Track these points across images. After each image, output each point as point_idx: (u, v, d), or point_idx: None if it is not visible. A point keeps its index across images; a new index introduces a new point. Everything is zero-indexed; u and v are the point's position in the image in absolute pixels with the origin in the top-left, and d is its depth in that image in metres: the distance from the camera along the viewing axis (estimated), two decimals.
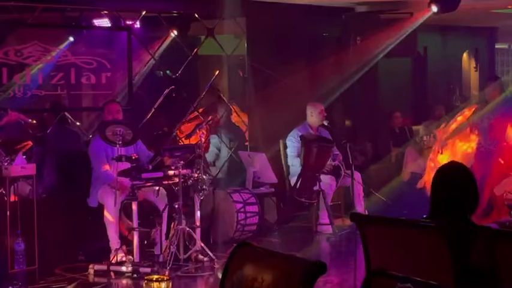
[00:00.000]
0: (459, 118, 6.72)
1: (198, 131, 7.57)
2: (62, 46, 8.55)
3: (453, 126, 6.82)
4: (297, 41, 9.75)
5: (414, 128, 10.76)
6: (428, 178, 6.36)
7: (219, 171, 9.57)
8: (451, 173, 3.59)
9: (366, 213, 8.25)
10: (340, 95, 9.97)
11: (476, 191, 3.54)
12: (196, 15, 9.43)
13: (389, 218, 4.25)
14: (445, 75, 12.56)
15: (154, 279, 2.73)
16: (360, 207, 8.57)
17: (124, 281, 6.71)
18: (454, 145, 7.17)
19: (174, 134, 9.40)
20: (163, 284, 2.72)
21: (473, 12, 10.72)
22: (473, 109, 7.54)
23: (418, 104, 12.08)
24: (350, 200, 8.65)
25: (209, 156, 9.69)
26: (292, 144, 8.74)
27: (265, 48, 9.55)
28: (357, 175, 8.62)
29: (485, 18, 11.77)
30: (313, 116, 8.78)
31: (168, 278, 2.79)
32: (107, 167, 7.19)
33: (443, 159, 6.94)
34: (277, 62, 9.46)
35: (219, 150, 9.83)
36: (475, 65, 13.45)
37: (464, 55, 13.40)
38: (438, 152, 6.60)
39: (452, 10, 9.44)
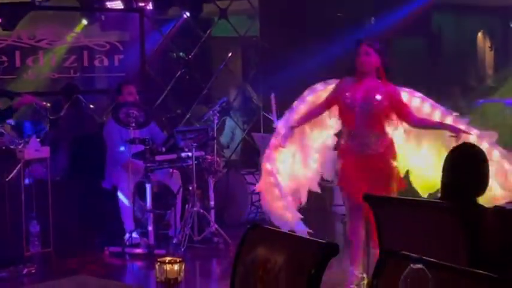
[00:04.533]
0: None
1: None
2: (76, 29, 8.56)
3: None
4: (310, 22, 9.69)
5: None
6: None
7: (233, 153, 9.56)
8: (463, 154, 3.56)
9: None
10: (354, 76, 9.90)
11: (487, 172, 3.52)
12: None
13: (402, 199, 4.24)
14: (459, 55, 12.45)
15: (167, 261, 2.72)
16: None
17: (138, 263, 6.75)
18: None
19: (188, 116, 9.40)
20: (176, 266, 2.71)
21: None
22: None
23: (432, 85, 11.99)
24: None
25: (224, 138, 9.69)
26: None
27: (278, 28, 9.50)
28: None
29: None
30: None
31: (181, 260, 2.78)
32: (121, 149, 7.21)
33: None
34: (291, 42, 9.40)
35: (233, 132, 9.83)
36: (490, 45, 13.33)
37: (479, 34, 13.27)
38: None
39: None
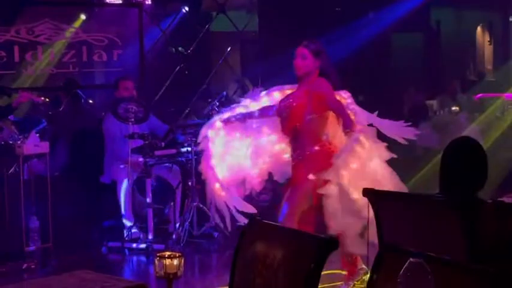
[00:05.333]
0: None
1: None
2: (74, 24, 8.55)
3: None
4: (309, 16, 9.68)
5: (428, 103, 10.70)
6: None
7: None
8: (462, 147, 3.56)
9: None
10: (353, 71, 9.91)
11: (486, 166, 3.52)
12: None
13: (402, 193, 4.25)
14: (458, 49, 12.45)
15: (166, 255, 2.73)
16: None
17: (138, 258, 6.75)
18: None
19: (187, 111, 9.40)
20: (175, 261, 2.72)
21: None
22: None
23: (432, 79, 12.00)
24: None
25: None
26: None
27: (277, 23, 9.50)
28: None
29: None
30: None
31: (180, 254, 2.78)
32: (120, 144, 7.21)
33: None
34: (289, 37, 9.38)
35: None
36: (489, 39, 13.32)
37: (478, 29, 13.27)
38: None
39: None
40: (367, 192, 3.84)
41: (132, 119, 6.79)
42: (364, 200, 4.10)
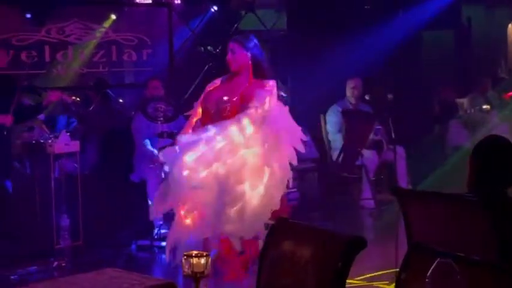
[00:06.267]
0: None
1: None
2: (104, 24, 8.61)
3: None
4: (338, 15, 9.65)
5: (458, 101, 10.60)
6: None
7: None
8: (492, 146, 3.52)
9: (409, 187, 8.18)
10: (383, 69, 9.86)
11: None
12: None
13: (431, 192, 4.20)
14: (489, 47, 12.31)
15: (193, 254, 2.73)
16: (403, 182, 8.50)
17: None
18: None
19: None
20: (202, 260, 2.71)
21: None
22: None
23: (462, 77, 11.89)
24: (393, 174, 8.57)
25: None
26: (332, 119, 8.68)
27: (305, 22, 9.48)
28: (401, 150, 8.53)
29: None
30: (348, 91, 8.79)
31: (207, 253, 2.78)
32: (149, 143, 7.25)
33: None
34: (318, 35, 9.37)
35: None
36: None
37: (510, 26, 13.10)
38: None
39: None
40: (395, 191, 3.82)
41: (161, 118, 6.82)
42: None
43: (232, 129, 5.01)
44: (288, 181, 5.34)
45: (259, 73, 5.17)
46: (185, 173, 5.06)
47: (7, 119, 6.32)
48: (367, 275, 5.46)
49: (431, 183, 8.28)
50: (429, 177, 8.40)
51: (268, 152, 5.11)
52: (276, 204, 5.13)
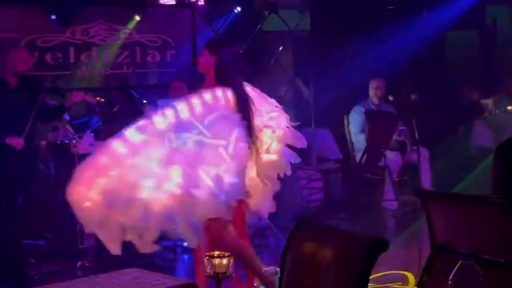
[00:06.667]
0: None
1: None
2: (128, 25, 8.65)
3: None
4: (361, 15, 9.62)
5: (483, 101, 10.53)
6: None
7: None
8: None
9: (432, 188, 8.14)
10: (406, 69, 9.82)
11: None
12: None
13: (455, 194, 4.18)
14: None
15: (215, 255, 2.74)
16: (427, 183, 8.46)
17: (189, 257, 6.79)
18: None
19: None
20: (224, 260, 2.72)
21: None
22: None
23: (487, 78, 11.80)
24: (417, 175, 8.52)
25: None
26: (355, 120, 8.66)
27: (328, 22, 9.46)
28: (424, 151, 8.48)
29: None
30: (371, 91, 8.76)
31: (229, 254, 2.79)
32: None
33: None
34: (341, 36, 9.35)
35: None
36: None
37: None
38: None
39: None
40: (418, 193, 3.80)
41: None
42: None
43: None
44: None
45: (220, 79, 4.95)
46: None
47: (19, 142, 6.11)
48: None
49: (464, 187, 8.17)
50: (462, 182, 8.30)
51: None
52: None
